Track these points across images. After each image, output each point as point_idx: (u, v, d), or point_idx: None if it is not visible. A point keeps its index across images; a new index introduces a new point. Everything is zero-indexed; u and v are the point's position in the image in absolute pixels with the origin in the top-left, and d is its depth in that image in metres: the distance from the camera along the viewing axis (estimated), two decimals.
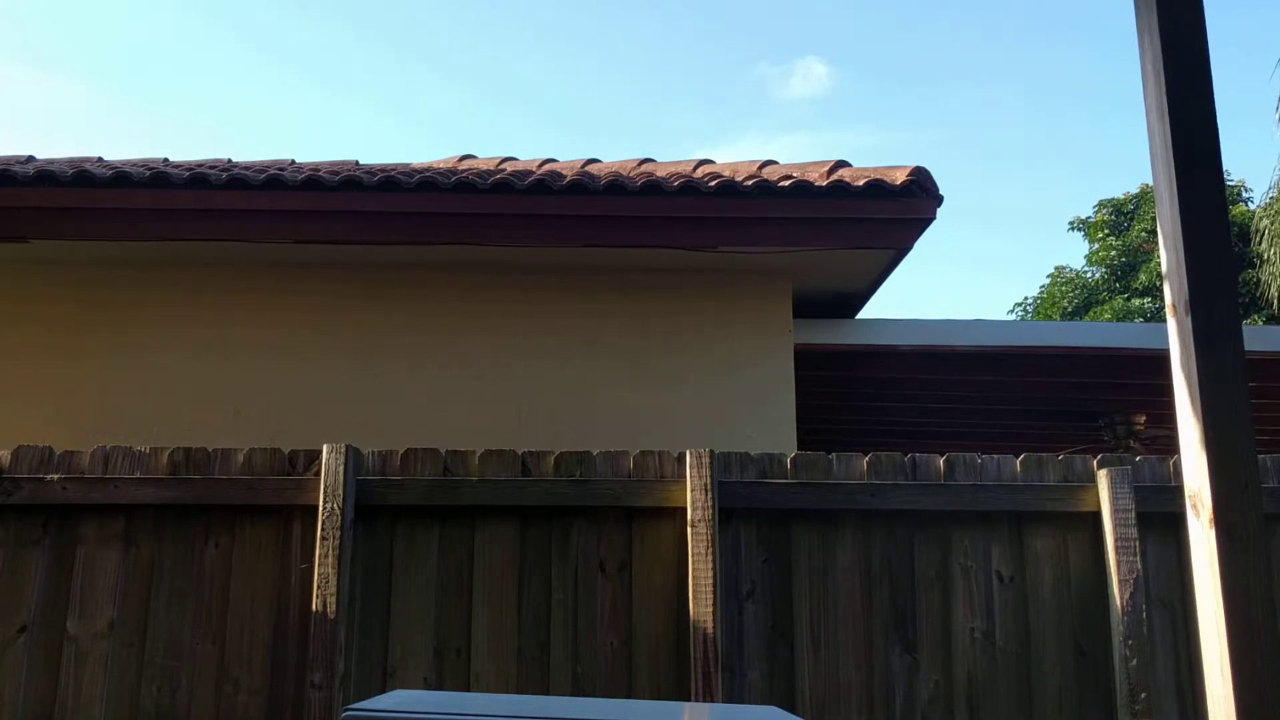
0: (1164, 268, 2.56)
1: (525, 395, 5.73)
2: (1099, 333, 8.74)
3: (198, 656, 3.68)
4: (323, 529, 3.69)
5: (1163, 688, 3.76)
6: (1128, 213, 23.10)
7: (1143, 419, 7.87)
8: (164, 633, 3.69)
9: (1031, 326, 11.57)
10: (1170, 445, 7.44)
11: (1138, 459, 4.01)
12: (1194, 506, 2.66)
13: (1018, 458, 3.97)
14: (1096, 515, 3.87)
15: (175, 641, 3.68)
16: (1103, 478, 3.88)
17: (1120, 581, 3.76)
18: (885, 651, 3.78)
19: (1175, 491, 3.81)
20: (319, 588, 3.65)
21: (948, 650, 3.79)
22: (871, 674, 3.76)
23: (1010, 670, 3.78)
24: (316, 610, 3.63)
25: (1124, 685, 3.67)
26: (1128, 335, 7.62)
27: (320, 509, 3.71)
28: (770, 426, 5.65)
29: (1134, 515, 3.81)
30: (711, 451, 3.84)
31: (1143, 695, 3.64)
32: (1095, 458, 3.99)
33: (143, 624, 3.70)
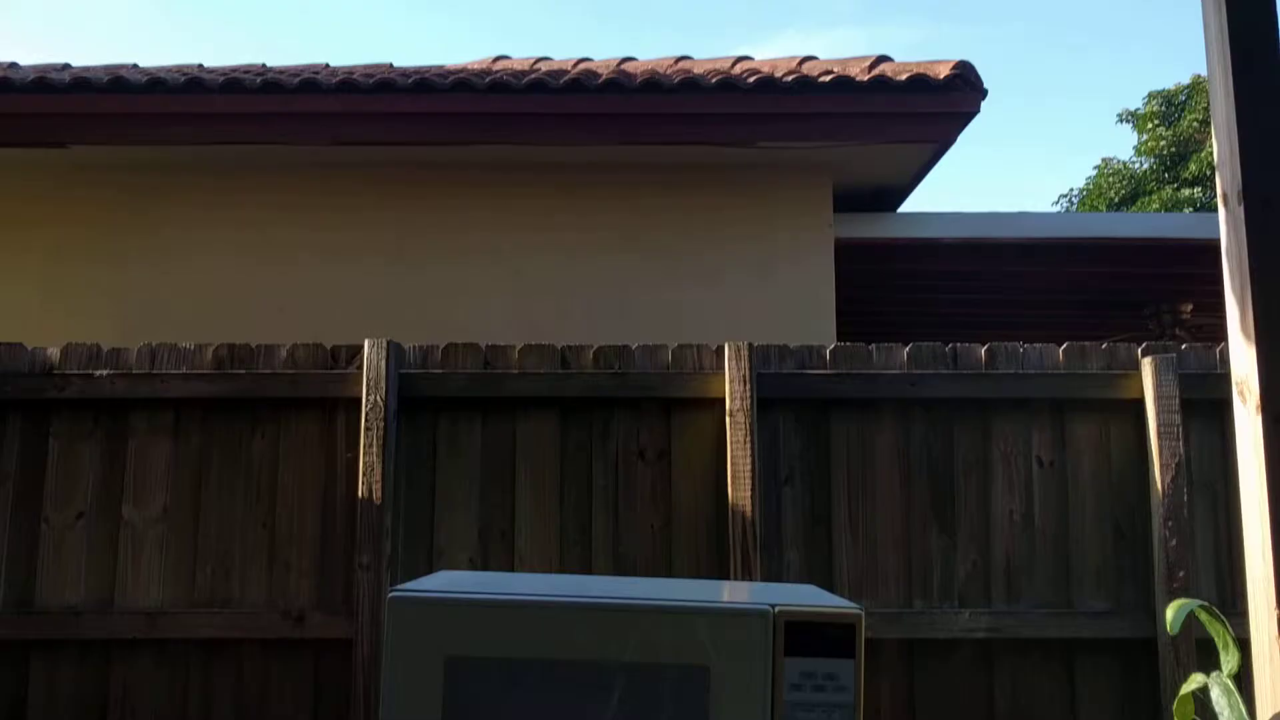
0: (1216, 158, 2.51)
1: (564, 291, 5.74)
2: (1147, 223, 8.59)
3: (249, 541, 3.78)
4: (366, 420, 3.75)
5: (1201, 568, 3.77)
6: (1178, 104, 22.43)
7: (1189, 308, 7.76)
8: (215, 519, 3.80)
9: (1077, 218, 11.35)
10: (1216, 333, 7.34)
11: (1183, 347, 3.97)
12: (1240, 393, 2.63)
13: (1060, 347, 3.94)
14: (1139, 402, 3.85)
15: (226, 527, 3.79)
16: (1147, 365, 3.84)
17: (1162, 466, 3.76)
18: (923, 534, 3.82)
19: (1221, 379, 3.77)
20: (364, 475, 3.72)
21: (985, 532, 3.82)
22: (909, 555, 3.80)
23: (1048, 550, 3.81)
24: (363, 496, 3.71)
25: (1162, 564, 3.69)
26: (1176, 225, 7.49)
27: (363, 401, 3.77)
28: (810, 320, 5.64)
29: (1178, 402, 3.78)
30: (750, 344, 3.84)
31: (1181, 574, 3.66)
32: (1140, 346, 3.95)
33: (195, 510, 3.80)
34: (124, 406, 3.84)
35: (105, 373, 3.82)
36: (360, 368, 3.82)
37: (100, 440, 3.83)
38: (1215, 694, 2.36)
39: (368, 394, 3.77)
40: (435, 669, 1.43)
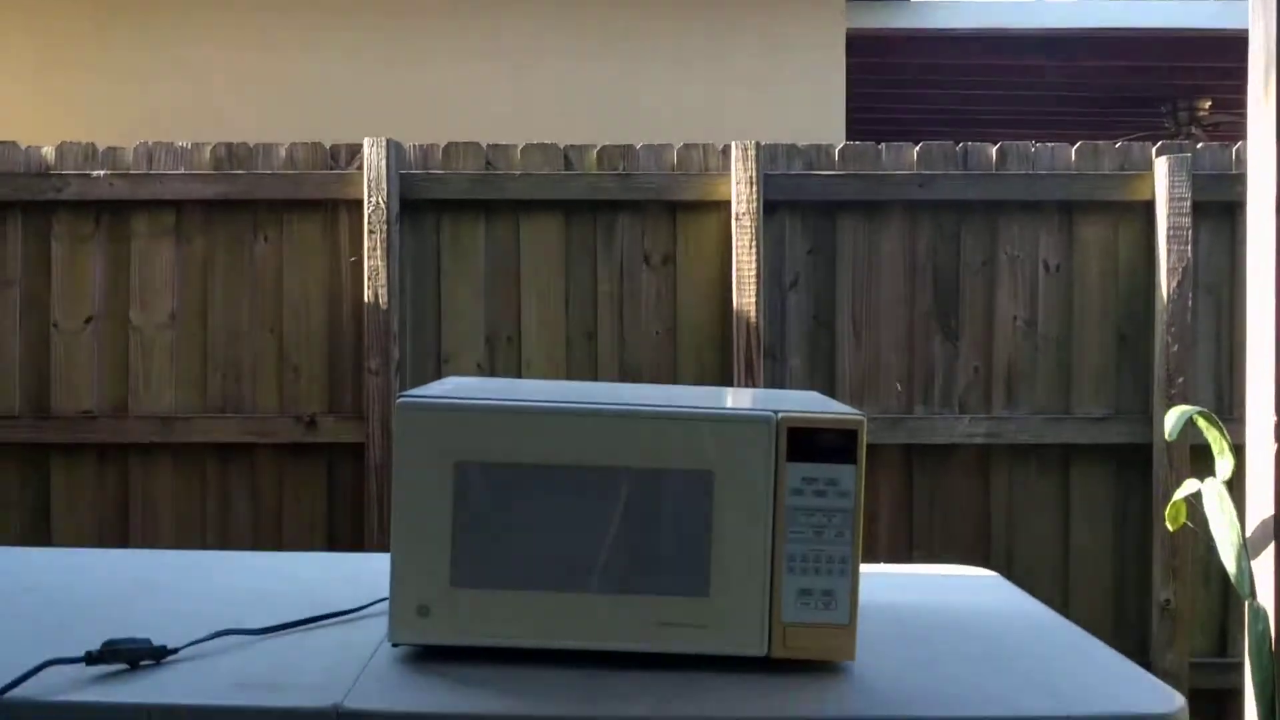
0: None
1: (566, 87, 5.60)
2: (1169, 12, 8.26)
3: (257, 345, 3.82)
4: (369, 222, 3.72)
5: (1200, 374, 3.81)
6: None
7: (1207, 105, 7.57)
8: (223, 323, 3.82)
9: (1096, 6, 10.93)
10: (1234, 132, 7.20)
11: (1199, 146, 3.89)
12: (1257, 191, 2.59)
13: (1073, 146, 3.86)
14: (1150, 204, 3.80)
15: (235, 331, 3.82)
16: (1160, 165, 3.77)
17: (1169, 270, 3.74)
18: (926, 339, 3.84)
19: (1235, 180, 3.71)
20: (369, 279, 3.72)
21: (989, 337, 3.84)
22: (911, 360, 3.84)
23: (1050, 356, 3.85)
24: (369, 301, 3.72)
25: (1162, 370, 3.73)
26: (1201, 15, 7.21)
27: (365, 203, 3.73)
28: (819, 117, 5.51)
29: (1189, 204, 3.73)
30: (757, 143, 3.76)
31: (1180, 380, 3.70)
32: (1154, 145, 3.87)
33: (202, 315, 3.83)
34: (124, 208, 3.81)
35: (103, 173, 3.78)
36: (360, 168, 3.77)
37: (103, 243, 3.82)
38: (1208, 498, 2.42)
39: (369, 195, 3.73)
40: (444, 473, 1.45)
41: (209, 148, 3.82)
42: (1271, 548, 2.45)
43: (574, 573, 1.45)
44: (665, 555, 1.46)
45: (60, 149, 3.80)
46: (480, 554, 1.45)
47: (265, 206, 3.82)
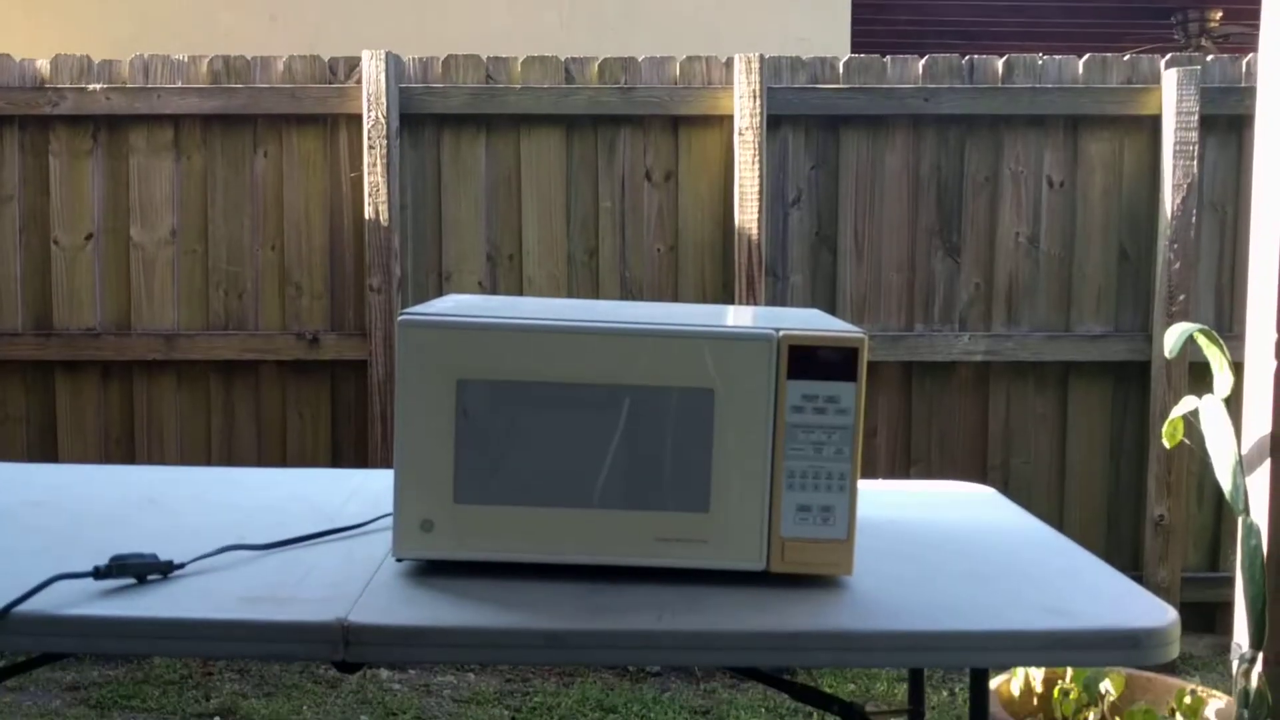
0: None
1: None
2: None
3: (259, 263, 3.81)
4: (369, 137, 3.69)
5: (1201, 292, 3.81)
6: None
7: (1218, 15, 7.43)
8: (224, 240, 3.81)
9: None
10: (1244, 44, 7.07)
11: (1209, 58, 3.83)
12: (1265, 104, 2.56)
13: (1080, 59, 3.80)
14: (1157, 119, 3.75)
15: (236, 248, 3.81)
16: (1168, 79, 3.72)
17: (1174, 186, 3.71)
18: (928, 256, 3.83)
19: (1245, 93, 3.66)
20: (370, 196, 3.70)
21: (990, 254, 3.83)
22: (913, 277, 3.83)
23: (1052, 273, 3.83)
24: (370, 218, 3.70)
25: (1164, 288, 3.72)
26: None
27: (365, 117, 3.69)
28: (823, 29, 5.43)
29: (1197, 119, 3.69)
30: (761, 56, 3.71)
31: (1181, 298, 3.69)
32: (1163, 58, 3.81)
33: (203, 231, 3.81)
34: (122, 122, 3.77)
35: (99, 87, 3.73)
36: (359, 81, 3.72)
37: (101, 158, 3.79)
38: (1205, 415, 2.43)
39: (368, 110, 3.68)
40: (447, 391, 1.46)
41: (206, 61, 3.77)
42: (1267, 464, 2.47)
43: (575, 489, 1.47)
44: (666, 471, 1.47)
45: (55, 62, 3.75)
46: (483, 470, 1.46)
47: (264, 121, 3.78)
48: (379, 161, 3.68)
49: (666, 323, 1.52)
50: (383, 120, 3.68)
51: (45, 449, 3.80)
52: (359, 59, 3.73)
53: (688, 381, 1.48)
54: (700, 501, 1.47)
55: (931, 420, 3.86)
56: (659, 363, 1.47)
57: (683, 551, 1.50)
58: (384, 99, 3.68)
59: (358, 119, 3.73)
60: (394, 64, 3.71)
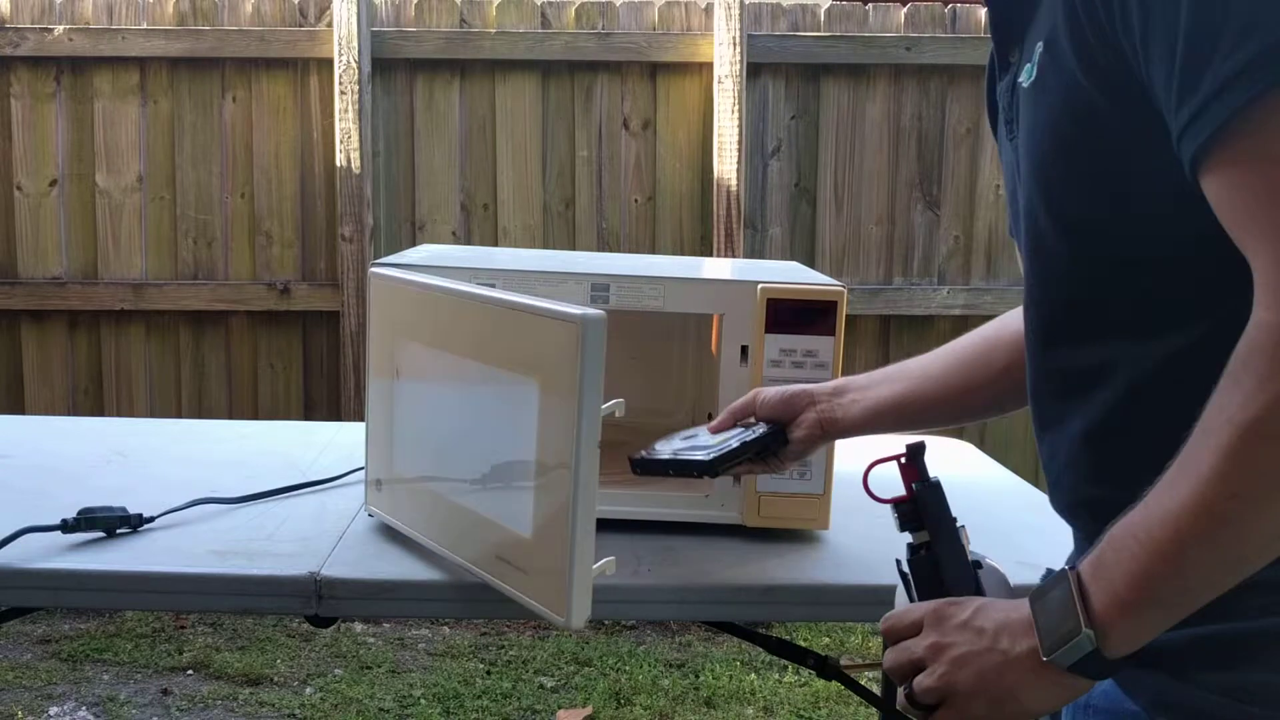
0: None
1: None
2: None
3: (228, 210, 3.74)
4: (340, 83, 3.62)
5: None
6: None
7: None
8: (193, 187, 3.73)
9: None
10: None
11: None
12: None
13: None
14: None
15: (205, 196, 3.74)
16: None
17: None
18: (908, 208, 3.81)
19: None
20: (342, 143, 3.63)
21: (970, 207, 3.81)
22: (892, 230, 3.81)
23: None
24: (341, 166, 3.64)
25: None
26: None
27: (336, 62, 3.62)
28: None
29: None
30: (741, 1, 3.65)
31: None
32: None
33: (171, 178, 3.73)
34: (86, 65, 3.67)
35: (62, 28, 3.63)
36: (330, 25, 3.64)
37: (65, 102, 3.70)
38: None
39: (339, 54, 3.61)
40: None
41: (172, 1, 3.68)
42: None
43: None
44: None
45: (15, 1, 3.65)
46: (408, 438, 1.42)
47: (233, 65, 3.70)
48: (350, 107, 3.62)
49: (644, 274, 1.50)
50: (354, 65, 3.61)
51: (12, 400, 3.74)
52: (330, 1, 3.65)
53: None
54: None
55: None
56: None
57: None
58: (355, 42, 3.60)
59: (329, 63, 3.65)
60: (365, 6, 3.63)
